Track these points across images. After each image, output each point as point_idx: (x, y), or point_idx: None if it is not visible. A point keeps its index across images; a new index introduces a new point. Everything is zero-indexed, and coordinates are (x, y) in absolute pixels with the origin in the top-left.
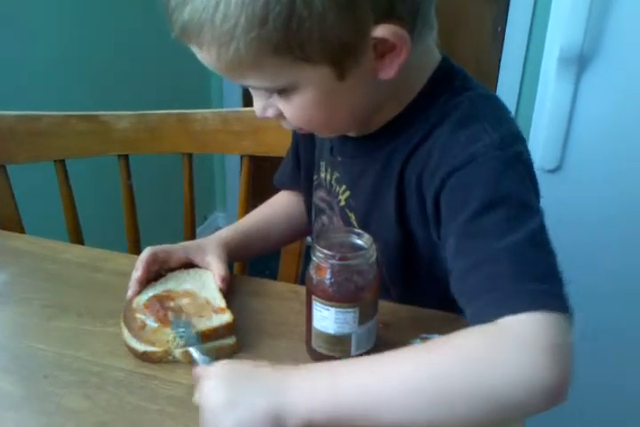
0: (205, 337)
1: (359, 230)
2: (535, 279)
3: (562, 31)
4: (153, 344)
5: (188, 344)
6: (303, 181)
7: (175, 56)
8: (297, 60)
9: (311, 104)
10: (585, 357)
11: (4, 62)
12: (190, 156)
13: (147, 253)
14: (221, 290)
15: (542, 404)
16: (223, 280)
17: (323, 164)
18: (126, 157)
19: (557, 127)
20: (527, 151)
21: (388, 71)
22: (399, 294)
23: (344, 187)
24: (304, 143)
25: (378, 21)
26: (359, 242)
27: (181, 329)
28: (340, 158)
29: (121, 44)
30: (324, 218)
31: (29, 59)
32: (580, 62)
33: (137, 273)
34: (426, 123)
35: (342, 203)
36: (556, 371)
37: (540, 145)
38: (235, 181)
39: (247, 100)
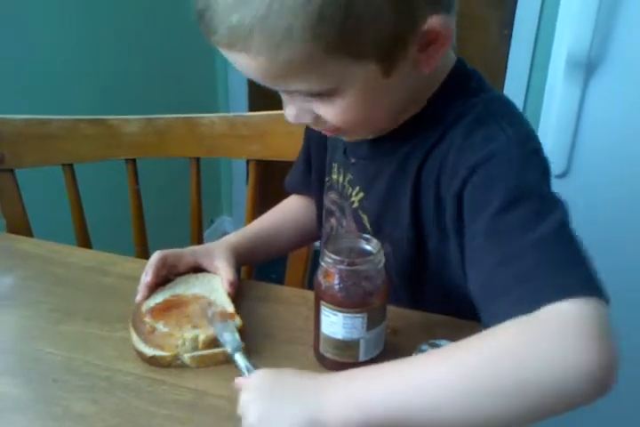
0: (214, 343)
1: (368, 236)
2: (568, 268)
3: (569, 35)
4: (162, 349)
5: (233, 351)
6: (314, 183)
7: (183, 61)
8: (348, 58)
9: (355, 104)
10: None
11: (12, 66)
12: (198, 160)
13: (156, 257)
14: (230, 295)
15: (592, 390)
16: (231, 285)
17: (335, 165)
18: (134, 161)
19: (565, 132)
20: (542, 149)
21: (431, 63)
22: (408, 297)
23: (357, 188)
24: (316, 146)
25: (428, 13)
26: (368, 247)
27: (227, 335)
28: (353, 160)
29: (128, 49)
30: (333, 220)
31: (37, 63)
32: (588, 67)
33: (146, 277)
34: (441, 124)
35: (355, 204)
36: (604, 355)
37: (548, 150)
38: (241, 184)
39: (253, 105)
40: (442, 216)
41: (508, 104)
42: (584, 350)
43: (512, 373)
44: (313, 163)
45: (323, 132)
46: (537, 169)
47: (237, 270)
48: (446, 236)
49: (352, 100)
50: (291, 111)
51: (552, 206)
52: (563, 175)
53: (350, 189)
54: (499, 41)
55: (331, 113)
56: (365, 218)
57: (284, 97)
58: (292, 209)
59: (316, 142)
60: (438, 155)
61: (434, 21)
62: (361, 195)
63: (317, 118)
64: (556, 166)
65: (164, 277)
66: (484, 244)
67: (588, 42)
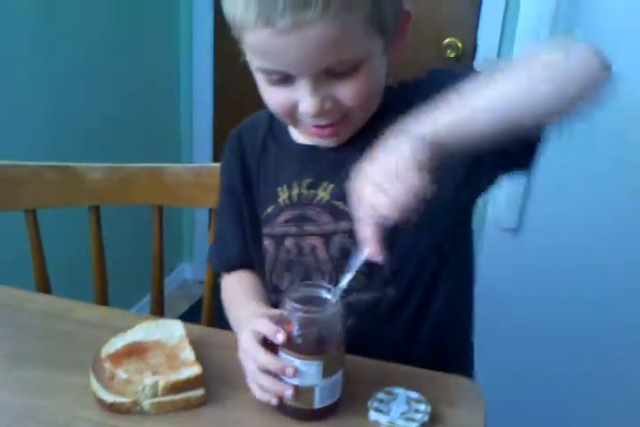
0: (174, 389)
1: (328, 285)
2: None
3: None
4: (122, 395)
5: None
6: (253, 236)
7: (148, 110)
8: (375, 29)
9: (371, 76)
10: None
11: None
12: (161, 208)
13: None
14: (190, 342)
15: (603, 75)
16: None
17: (282, 187)
18: (97, 208)
19: (517, 186)
20: None
21: (401, 49)
22: (394, 275)
23: (325, 184)
24: (246, 200)
25: None
26: (327, 296)
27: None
28: (310, 166)
29: (96, 98)
30: (288, 243)
31: (7, 110)
32: None
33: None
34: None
35: (327, 198)
36: (606, 57)
37: (501, 204)
38: (203, 232)
39: (217, 156)
40: None
41: None
42: (597, 53)
43: (559, 69)
44: (245, 219)
45: (322, 132)
46: None
47: (197, 319)
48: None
49: (369, 72)
50: (315, 100)
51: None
52: (515, 230)
53: (313, 191)
54: None
55: (355, 86)
56: (341, 204)
57: (309, 88)
58: (247, 278)
59: (245, 195)
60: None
61: (407, 6)
62: (331, 186)
63: (336, 105)
64: (508, 220)
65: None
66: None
67: None
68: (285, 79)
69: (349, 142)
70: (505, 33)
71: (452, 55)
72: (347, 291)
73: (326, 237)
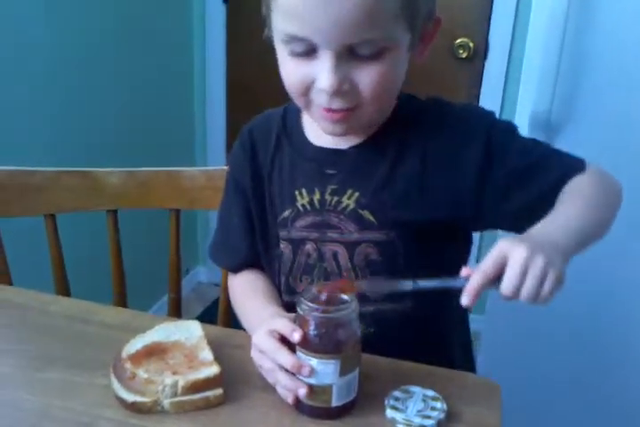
0: (193, 389)
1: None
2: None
3: (531, 97)
4: (143, 395)
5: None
6: (265, 238)
7: (163, 116)
8: (406, 20)
9: (393, 67)
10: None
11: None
12: (178, 211)
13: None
14: (208, 342)
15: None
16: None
17: (303, 190)
18: (115, 212)
19: None
20: None
21: (424, 54)
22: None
23: (350, 191)
24: (258, 202)
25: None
26: (343, 296)
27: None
28: (333, 171)
29: (112, 105)
30: (308, 247)
31: (22, 116)
32: (550, 127)
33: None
34: (421, 116)
35: (352, 206)
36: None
37: None
38: None
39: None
40: (455, 175)
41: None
42: (619, 184)
43: (609, 198)
44: (256, 221)
45: (332, 116)
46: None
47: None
48: (460, 200)
49: (393, 62)
50: (335, 78)
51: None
52: None
53: (337, 197)
54: (467, 100)
55: (370, 77)
56: (367, 213)
57: (331, 66)
58: (257, 279)
59: (255, 198)
60: (442, 132)
61: (437, 13)
62: (357, 194)
63: (352, 88)
64: None
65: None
66: (526, 161)
67: (549, 104)
68: (308, 52)
69: (366, 146)
70: (516, 33)
71: (463, 55)
72: (368, 301)
73: (350, 245)
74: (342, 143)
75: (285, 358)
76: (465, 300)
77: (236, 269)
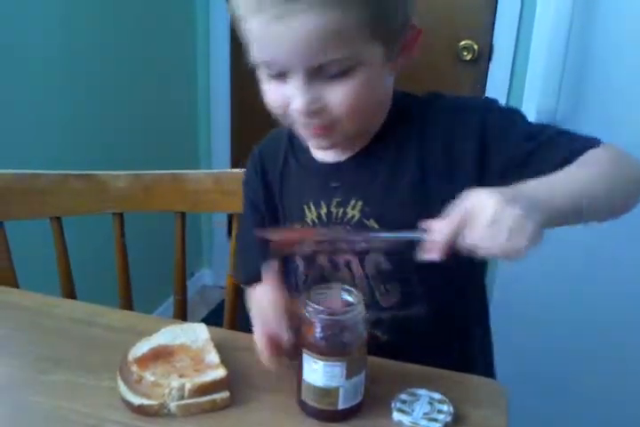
0: (200, 391)
1: (350, 287)
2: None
3: (536, 99)
4: (149, 397)
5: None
6: None
7: (167, 118)
8: (373, 34)
9: (364, 84)
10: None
11: (2, 122)
12: (183, 214)
13: (280, 312)
14: (214, 345)
15: None
16: None
17: (308, 205)
18: (121, 214)
19: None
20: None
21: (406, 63)
22: (421, 284)
23: (353, 202)
24: (271, 215)
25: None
26: (349, 298)
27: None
28: (336, 184)
29: (116, 107)
30: (322, 260)
31: (28, 119)
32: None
33: (285, 337)
34: (414, 118)
35: (357, 216)
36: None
37: None
38: (222, 238)
39: (235, 162)
40: (451, 175)
41: None
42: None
43: (625, 169)
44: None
45: (313, 131)
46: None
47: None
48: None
49: (363, 80)
50: (304, 99)
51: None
52: None
53: (342, 209)
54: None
55: (342, 93)
56: (372, 221)
57: (300, 86)
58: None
59: (268, 210)
60: (437, 130)
61: (414, 21)
62: (360, 204)
63: (325, 107)
64: None
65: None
66: (528, 147)
67: (555, 106)
68: (281, 75)
69: (363, 156)
70: (521, 35)
71: (468, 57)
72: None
73: (360, 255)
74: (342, 155)
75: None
76: (427, 254)
77: (250, 281)
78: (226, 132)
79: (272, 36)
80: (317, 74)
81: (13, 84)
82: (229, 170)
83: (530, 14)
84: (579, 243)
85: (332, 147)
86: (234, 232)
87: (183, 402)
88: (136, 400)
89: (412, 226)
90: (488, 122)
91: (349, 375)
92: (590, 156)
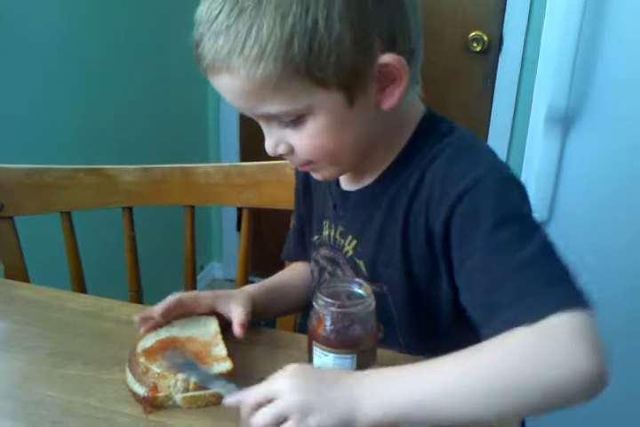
0: None
1: (360, 280)
2: (557, 284)
3: (548, 90)
4: (156, 389)
5: (204, 383)
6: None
7: (176, 112)
8: (314, 83)
9: (322, 130)
10: None
11: (12, 116)
12: (193, 208)
13: (172, 297)
14: (224, 338)
15: (589, 392)
16: (241, 326)
17: (326, 222)
18: (130, 209)
19: (545, 182)
20: (516, 176)
21: (390, 101)
22: (409, 331)
23: (350, 237)
24: (306, 211)
25: (384, 50)
26: (359, 291)
27: (192, 370)
28: (342, 213)
29: (125, 101)
30: (326, 275)
31: (37, 113)
32: (566, 120)
33: (155, 311)
34: (419, 165)
35: (350, 253)
36: (600, 360)
37: (531, 197)
38: (231, 232)
39: (245, 155)
40: (433, 251)
41: (479, 139)
42: (585, 356)
43: (520, 375)
44: (306, 228)
45: (299, 168)
46: (516, 193)
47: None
48: (437, 271)
49: (320, 126)
50: (269, 142)
51: (534, 226)
52: (544, 223)
53: (343, 241)
54: (482, 94)
55: (301, 141)
56: (361, 263)
57: (264, 128)
58: (298, 268)
59: (306, 210)
60: (423, 192)
61: (387, 58)
62: (355, 242)
63: (291, 149)
64: (538, 215)
65: (176, 317)
66: (478, 264)
67: (566, 97)
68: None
69: (367, 192)
70: (531, 26)
71: (477, 49)
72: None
73: None
74: (354, 184)
75: None
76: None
77: (283, 258)
78: (235, 125)
79: (216, 86)
80: (274, 119)
81: (22, 79)
82: (239, 163)
83: (540, 5)
84: None
85: (331, 178)
86: (243, 226)
87: (189, 394)
88: (142, 391)
89: (393, 280)
90: (456, 213)
91: (360, 368)
92: (513, 338)
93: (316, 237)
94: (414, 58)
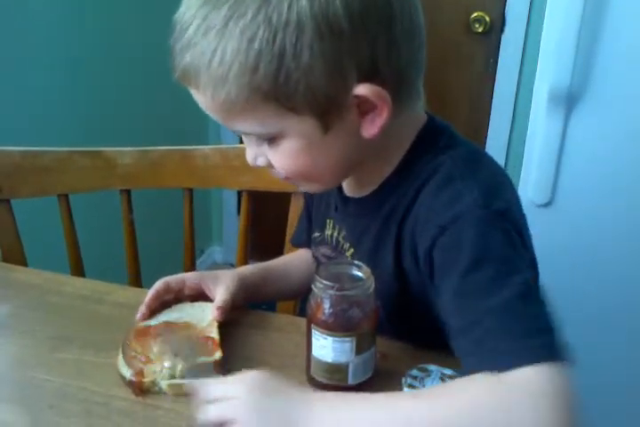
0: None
1: (359, 262)
2: (528, 335)
3: (550, 71)
4: (142, 374)
5: (188, 372)
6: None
7: (174, 96)
8: (284, 109)
9: (296, 153)
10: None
11: (8, 98)
12: (191, 191)
13: (159, 281)
14: (219, 324)
15: None
16: (218, 309)
17: (330, 221)
18: (128, 191)
19: (548, 163)
20: (512, 201)
21: (370, 130)
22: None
23: (348, 244)
24: (312, 202)
25: (361, 80)
26: (358, 274)
27: (180, 357)
28: (342, 217)
29: (122, 83)
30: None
31: (35, 97)
32: (569, 101)
33: (146, 299)
34: (415, 182)
35: (349, 259)
36: (565, 423)
37: (532, 181)
38: (231, 215)
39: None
40: (420, 270)
41: (475, 160)
42: (548, 419)
43: None
44: (313, 218)
45: (281, 180)
46: (501, 232)
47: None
48: (428, 286)
49: (295, 148)
50: (249, 153)
51: (515, 269)
52: (547, 205)
53: (344, 244)
54: (484, 75)
55: (276, 158)
56: None
57: (244, 138)
58: (301, 254)
59: (311, 197)
60: (413, 214)
61: (366, 90)
62: (351, 250)
63: (270, 163)
64: (540, 197)
65: (168, 302)
66: (449, 305)
67: (569, 77)
68: None
69: (367, 202)
70: (533, 6)
71: (479, 30)
72: None
73: None
74: (354, 192)
75: None
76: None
77: (292, 243)
78: None
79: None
80: (250, 135)
81: (20, 64)
82: (238, 145)
83: None
84: None
85: (317, 192)
86: (242, 209)
87: (174, 382)
88: (128, 375)
89: (386, 296)
90: (437, 245)
91: (359, 351)
92: (476, 389)
93: (316, 234)
94: (405, 82)
